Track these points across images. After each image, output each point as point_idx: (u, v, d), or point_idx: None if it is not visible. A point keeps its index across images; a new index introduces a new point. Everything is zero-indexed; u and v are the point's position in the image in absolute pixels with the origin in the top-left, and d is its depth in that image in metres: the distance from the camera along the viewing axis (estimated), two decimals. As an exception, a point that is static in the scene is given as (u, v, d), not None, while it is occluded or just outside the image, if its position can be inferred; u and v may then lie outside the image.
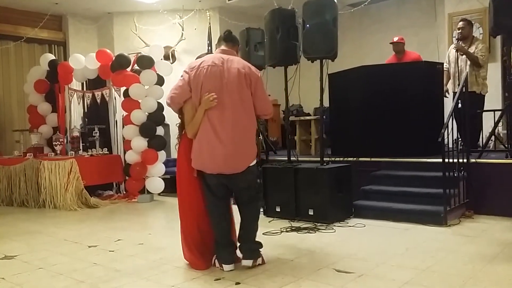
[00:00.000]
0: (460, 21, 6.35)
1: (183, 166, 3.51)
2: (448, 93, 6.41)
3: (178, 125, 3.63)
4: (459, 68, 6.08)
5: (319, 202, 4.96)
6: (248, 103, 3.37)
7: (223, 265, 3.40)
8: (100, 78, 7.48)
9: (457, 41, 6.18)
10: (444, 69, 6.36)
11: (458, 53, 6.08)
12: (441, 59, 7.64)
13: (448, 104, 5.99)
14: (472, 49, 6.07)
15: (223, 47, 3.50)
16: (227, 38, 3.53)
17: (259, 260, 3.48)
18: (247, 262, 3.43)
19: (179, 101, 3.38)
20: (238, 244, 3.54)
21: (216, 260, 3.46)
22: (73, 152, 7.17)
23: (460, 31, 6.17)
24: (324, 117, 5.64)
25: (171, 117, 8.11)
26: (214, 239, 3.47)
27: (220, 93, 3.28)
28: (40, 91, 7.89)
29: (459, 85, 5.63)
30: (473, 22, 6.50)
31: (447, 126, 4.77)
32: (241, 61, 3.44)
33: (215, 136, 3.27)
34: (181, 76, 3.40)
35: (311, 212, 5.00)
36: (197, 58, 3.58)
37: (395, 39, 6.97)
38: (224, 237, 3.46)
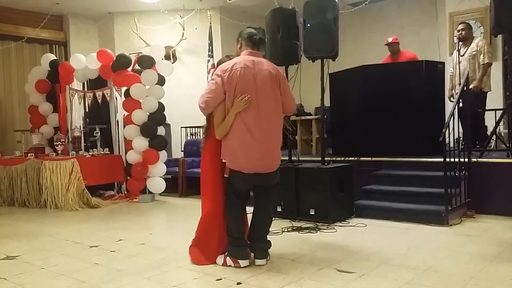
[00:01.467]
0: (459, 23, 6.41)
1: (208, 167, 3.55)
2: (453, 98, 6.40)
3: (204, 127, 3.62)
4: (463, 68, 6.10)
5: (320, 201, 4.96)
6: (278, 103, 3.51)
7: (239, 261, 3.44)
8: (101, 78, 7.49)
9: (458, 42, 6.22)
10: (450, 73, 6.38)
11: (460, 52, 6.16)
12: (442, 58, 7.66)
13: (451, 103, 5.99)
14: (473, 47, 6.13)
15: (250, 49, 3.55)
16: (259, 43, 3.59)
17: (268, 258, 3.59)
18: (262, 262, 3.52)
19: (214, 104, 3.40)
20: (249, 242, 3.61)
21: (228, 258, 3.48)
22: (74, 152, 7.18)
23: (460, 32, 6.21)
24: (325, 116, 5.64)
25: (172, 117, 8.21)
26: (231, 237, 3.51)
27: (254, 94, 3.37)
28: (41, 91, 7.89)
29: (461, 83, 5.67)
30: (471, 25, 6.56)
31: (448, 126, 4.76)
32: (269, 63, 3.58)
33: (250, 136, 3.36)
34: (213, 79, 3.43)
35: (312, 212, 5.00)
36: (218, 61, 3.66)
37: (389, 39, 6.95)
38: (242, 234, 3.53)
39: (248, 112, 3.36)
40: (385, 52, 7.14)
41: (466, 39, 6.20)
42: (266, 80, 3.42)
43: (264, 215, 3.62)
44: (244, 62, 3.43)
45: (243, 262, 3.44)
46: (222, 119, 3.40)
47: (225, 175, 3.49)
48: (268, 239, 3.65)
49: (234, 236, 3.50)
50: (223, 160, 3.47)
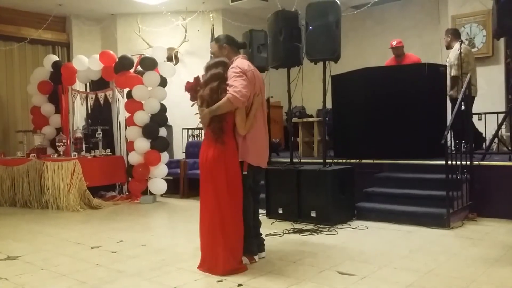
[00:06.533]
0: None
1: (232, 170, 3.43)
2: None
3: (216, 126, 3.42)
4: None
5: (321, 204, 4.96)
6: None
7: (254, 256, 3.58)
8: (103, 79, 7.50)
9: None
10: None
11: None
12: (444, 61, 7.63)
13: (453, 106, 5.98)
14: (450, 58, 6.06)
15: (237, 53, 3.76)
16: (243, 46, 3.95)
17: None
18: (263, 254, 3.73)
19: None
20: None
21: (243, 257, 3.51)
22: (76, 153, 7.19)
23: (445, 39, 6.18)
24: (327, 118, 5.63)
25: (174, 119, 8.21)
26: (249, 235, 3.56)
27: (262, 93, 3.70)
28: (43, 92, 7.91)
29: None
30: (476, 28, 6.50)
31: (450, 128, 4.75)
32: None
33: (264, 133, 3.67)
34: (240, 76, 3.39)
35: (313, 214, 5.00)
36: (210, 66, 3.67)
37: (394, 43, 6.92)
38: (253, 229, 3.66)
39: (262, 110, 3.64)
40: (387, 54, 7.13)
41: (449, 47, 6.10)
42: (263, 83, 3.77)
43: (258, 211, 3.80)
44: (250, 64, 3.62)
45: (256, 257, 3.62)
46: (245, 116, 3.48)
47: (244, 173, 3.50)
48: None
49: (252, 234, 3.62)
50: (241, 159, 3.47)
